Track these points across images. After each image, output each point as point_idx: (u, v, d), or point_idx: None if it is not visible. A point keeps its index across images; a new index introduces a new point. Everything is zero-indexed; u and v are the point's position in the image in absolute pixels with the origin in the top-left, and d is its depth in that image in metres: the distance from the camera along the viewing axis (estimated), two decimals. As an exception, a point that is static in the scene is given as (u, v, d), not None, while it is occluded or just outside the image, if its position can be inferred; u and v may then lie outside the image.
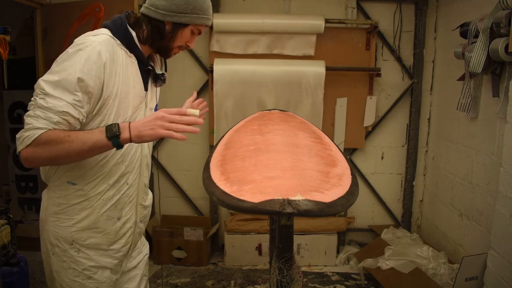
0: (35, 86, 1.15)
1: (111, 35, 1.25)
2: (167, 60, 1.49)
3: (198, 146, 3.26)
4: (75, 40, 1.20)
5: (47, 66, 3.00)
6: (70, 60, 1.15)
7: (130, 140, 1.13)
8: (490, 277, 2.08)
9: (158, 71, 1.42)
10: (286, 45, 3.09)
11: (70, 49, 1.18)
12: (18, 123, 3.53)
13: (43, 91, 1.12)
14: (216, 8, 3.13)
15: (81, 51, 1.15)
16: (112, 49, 1.22)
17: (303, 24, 3.05)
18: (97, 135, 1.12)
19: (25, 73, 3.32)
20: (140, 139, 1.13)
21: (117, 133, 1.11)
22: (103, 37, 1.22)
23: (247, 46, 3.10)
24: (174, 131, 1.10)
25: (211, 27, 3.03)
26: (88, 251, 1.33)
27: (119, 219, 1.37)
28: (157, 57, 1.44)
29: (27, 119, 1.12)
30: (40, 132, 1.10)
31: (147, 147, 1.44)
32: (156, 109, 1.47)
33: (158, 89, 1.49)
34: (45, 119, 1.11)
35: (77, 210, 1.31)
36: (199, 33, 1.35)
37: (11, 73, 2.59)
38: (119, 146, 1.14)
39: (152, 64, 1.40)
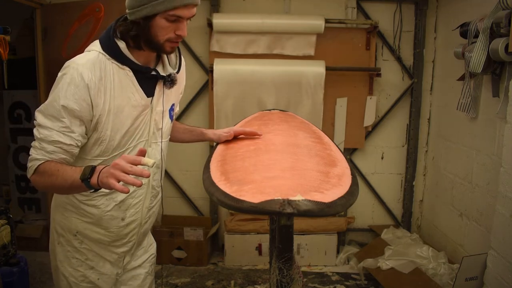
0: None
1: (101, 50, 1.22)
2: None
3: (198, 146, 3.26)
4: (66, 62, 1.21)
5: (47, 66, 3.01)
6: (57, 86, 1.18)
7: (98, 185, 1.09)
8: (490, 277, 2.08)
9: (167, 72, 1.34)
10: (286, 45, 3.09)
11: (60, 73, 1.20)
12: (18, 123, 3.53)
13: (37, 122, 1.19)
14: (216, 8, 3.14)
15: (65, 75, 1.18)
16: (100, 67, 1.20)
17: (303, 24, 3.05)
18: (76, 175, 1.11)
19: (25, 73, 3.31)
20: (103, 186, 1.08)
21: (88, 177, 1.08)
22: (90, 55, 1.21)
23: (247, 46, 3.09)
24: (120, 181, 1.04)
25: (211, 27, 3.03)
26: (90, 243, 1.38)
27: (123, 219, 1.38)
28: (170, 57, 1.39)
29: (30, 150, 1.20)
30: (38, 163, 1.18)
31: (160, 150, 1.41)
32: (172, 109, 1.45)
33: (177, 88, 1.42)
34: (41, 150, 1.18)
35: (82, 205, 1.34)
36: (180, 18, 1.19)
37: (11, 73, 2.59)
38: (91, 188, 1.10)
39: (156, 68, 1.32)
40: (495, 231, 2.05)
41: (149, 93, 1.31)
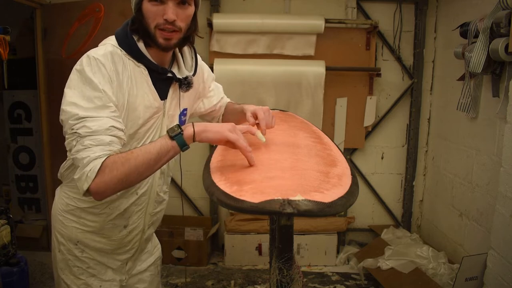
0: (63, 119, 1.08)
1: (117, 45, 1.17)
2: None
3: (198, 146, 3.26)
4: (84, 55, 1.13)
5: (47, 66, 3.01)
6: (83, 77, 1.08)
7: (194, 136, 1.05)
8: (490, 277, 2.08)
9: (183, 75, 1.27)
10: (286, 45, 3.09)
11: (78, 66, 1.11)
12: (18, 123, 3.53)
13: (78, 118, 1.03)
14: (216, 8, 3.14)
15: (88, 66, 1.09)
16: (117, 61, 1.14)
17: (303, 24, 3.05)
18: (160, 141, 1.05)
19: (25, 73, 3.31)
20: (204, 134, 1.06)
21: (180, 131, 1.04)
22: (108, 48, 1.15)
23: (247, 46, 3.09)
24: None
25: (211, 27, 3.03)
26: (91, 252, 1.34)
27: (125, 227, 1.35)
28: (186, 58, 1.33)
29: (78, 156, 1.02)
30: (101, 160, 1.00)
31: None
32: (184, 114, 1.39)
33: (192, 93, 1.36)
34: (98, 145, 1.02)
35: (84, 214, 1.30)
36: None
37: (11, 73, 2.58)
38: (184, 145, 1.06)
39: (173, 70, 1.26)
40: (495, 231, 2.05)
41: (163, 95, 1.25)
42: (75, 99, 1.06)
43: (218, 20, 3.00)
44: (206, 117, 1.60)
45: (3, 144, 3.65)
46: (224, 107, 1.56)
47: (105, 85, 1.09)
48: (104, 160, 1.00)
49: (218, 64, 2.99)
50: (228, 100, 1.61)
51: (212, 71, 3.16)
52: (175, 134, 1.04)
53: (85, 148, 1.02)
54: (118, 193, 1.26)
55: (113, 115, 1.07)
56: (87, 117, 1.03)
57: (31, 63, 3.11)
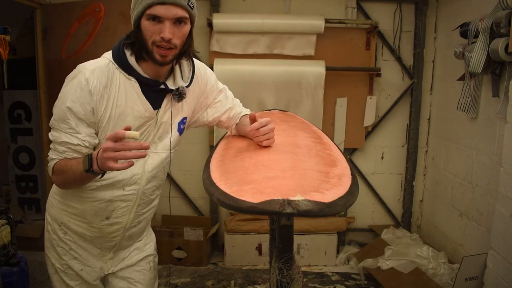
0: None
1: (111, 59, 1.24)
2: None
3: (198, 146, 3.26)
4: (78, 65, 1.25)
5: (47, 66, 3.01)
6: (65, 88, 1.23)
7: (101, 171, 1.12)
8: (490, 277, 2.08)
9: (177, 85, 1.32)
10: (286, 45, 3.09)
11: (69, 75, 1.24)
12: (18, 123, 3.53)
13: (50, 124, 1.26)
14: (216, 8, 3.14)
15: (74, 79, 1.21)
16: (107, 75, 1.22)
17: (303, 24, 3.05)
18: (80, 170, 1.17)
19: (25, 73, 3.32)
20: (106, 170, 1.11)
21: (90, 167, 1.13)
22: (100, 62, 1.24)
23: (247, 46, 3.09)
24: (122, 159, 1.05)
25: (211, 27, 3.03)
26: (73, 235, 1.42)
27: (107, 218, 1.38)
28: (184, 70, 1.37)
29: (49, 152, 1.29)
30: (53, 162, 1.26)
31: (160, 160, 1.39)
32: (183, 122, 1.43)
33: (192, 101, 1.41)
34: (54, 150, 1.25)
35: (70, 197, 1.37)
36: (159, 17, 1.16)
37: (11, 73, 2.59)
38: (100, 174, 1.16)
39: (167, 81, 1.31)
40: (495, 231, 2.05)
41: (156, 105, 1.31)
42: (54, 108, 1.25)
43: (218, 20, 3.00)
44: (217, 126, 1.62)
45: (3, 144, 3.65)
46: (235, 119, 1.57)
47: (77, 101, 1.19)
48: (54, 164, 1.26)
49: (218, 64, 2.99)
50: (245, 111, 1.61)
51: (212, 71, 3.16)
52: (87, 169, 1.14)
53: (50, 149, 1.28)
54: (104, 183, 1.33)
55: (69, 131, 1.22)
56: (53, 127, 1.25)
57: (31, 63, 3.12)
